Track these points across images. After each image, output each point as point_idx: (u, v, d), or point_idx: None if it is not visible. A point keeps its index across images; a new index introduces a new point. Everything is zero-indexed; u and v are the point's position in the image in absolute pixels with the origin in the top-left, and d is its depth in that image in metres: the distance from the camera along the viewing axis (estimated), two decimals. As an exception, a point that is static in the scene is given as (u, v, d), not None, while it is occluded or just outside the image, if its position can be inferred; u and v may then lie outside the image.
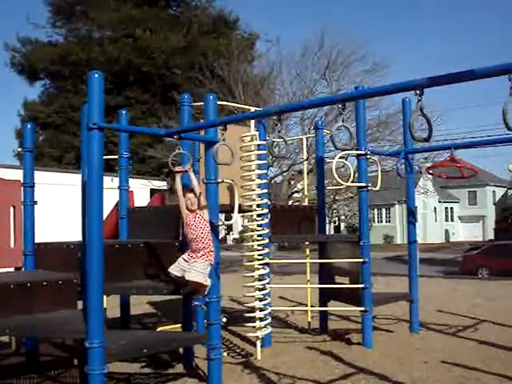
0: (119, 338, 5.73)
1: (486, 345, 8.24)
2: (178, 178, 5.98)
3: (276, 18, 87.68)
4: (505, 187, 60.06)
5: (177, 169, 5.96)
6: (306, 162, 11.20)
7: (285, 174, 25.29)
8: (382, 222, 56.54)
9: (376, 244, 42.06)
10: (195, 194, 5.90)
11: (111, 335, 5.53)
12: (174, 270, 6.04)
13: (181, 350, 7.53)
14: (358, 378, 6.63)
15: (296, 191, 25.71)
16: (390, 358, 7.49)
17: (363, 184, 8.17)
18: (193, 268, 5.87)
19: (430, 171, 9.98)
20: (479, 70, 3.35)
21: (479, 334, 9.07)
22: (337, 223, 49.96)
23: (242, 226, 8.68)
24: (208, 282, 5.94)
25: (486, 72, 3.37)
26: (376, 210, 55.66)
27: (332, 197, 25.57)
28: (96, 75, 5.15)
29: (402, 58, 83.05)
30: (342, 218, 45.27)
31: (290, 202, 24.14)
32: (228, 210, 6.97)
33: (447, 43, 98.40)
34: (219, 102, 8.21)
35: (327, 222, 38.55)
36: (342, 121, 4.04)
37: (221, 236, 41.50)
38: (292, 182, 26.29)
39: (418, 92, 3.60)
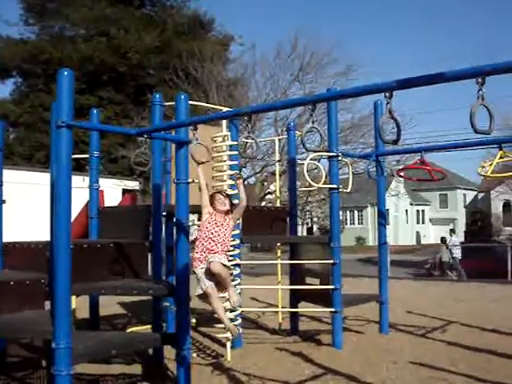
0: (87, 339, 5.67)
1: (453, 346, 8.33)
2: (200, 168, 5.46)
3: (250, 20, 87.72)
4: (475, 190, 60.85)
5: (197, 157, 5.40)
6: (278, 164, 11.21)
7: (258, 175, 25.32)
8: (354, 223, 56.89)
9: (348, 246, 42.32)
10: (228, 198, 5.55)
11: (79, 336, 5.47)
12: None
13: (150, 351, 7.48)
14: (326, 378, 6.66)
15: (269, 192, 25.76)
16: (360, 359, 7.53)
17: (334, 186, 8.20)
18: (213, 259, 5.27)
19: (401, 173, 10.07)
20: (448, 73, 3.38)
21: (447, 335, 9.17)
22: (310, 225, 50.09)
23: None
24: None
25: (455, 75, 3.40)
26: (348, 212, 56.03)
27: (305, 198, 25.67)
28: (65, 73, 5.09)
29: (378, 61, 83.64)
30: (315, 219, 45.38)
31: (263, 204, 24.17)
32: (200, 211, 6.94)
33: (425, 46, 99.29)
34: (192, 102, 8.20)
35: (300, 223, 38.79)
36: (312, 122, 4.05)
37: (194, 237, 41.36)
38: (265, 184, 26.34)
39: (387, 95, 3.62)
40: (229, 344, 7.72)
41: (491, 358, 7.55)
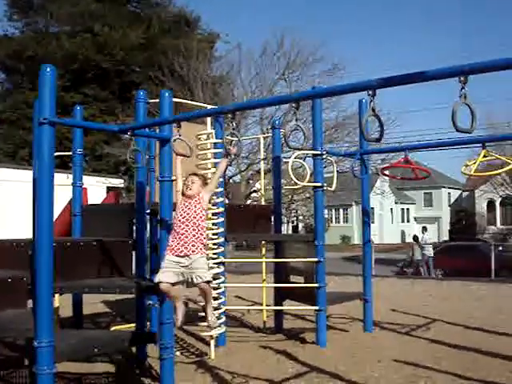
0: (70, 337, 5.65)
1: (437, 344, 8.37)
2: (178, 161, 5.34)
3: (236, 18, 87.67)
4: (460, 189, 61.24)
5: (180, 151, 5.30)
6: (263, 162, 11.21)
7: (243, 173, 25.31)
8: (339, 222, 57.05)
9: (333, 244, 42.41)
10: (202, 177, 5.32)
11: (61, 334, 5.45)
12: (167, 277, 5.12)
13: (134, 350, 7.45)
14: (311, 376, 6.66)
15: (254, 191, 25.77)
16: (344, 357, 7.54)
17: (319, 184, 8.21)
18: (198, 266, 5.07)
19: (385, 172, 10.10)
20: (430, 71, 3.39)
21: (431, 333, 9.22)
22: (295, 223, 50.18)
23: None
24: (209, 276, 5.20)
25: (437, 74, 3.41)
26: (334, 210, 56.19)
27: (290, 197, 25.71)
28: (48, 69, 5.06)
29: (365, 60, 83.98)
30: (300, 218, 45.44)
31: (249, 202, 24.18)
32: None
33: (415, 45, 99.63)
34: (176, 100, 8.17)
35: (285, 221, 38.83)
36: (296, 120, 4.05)
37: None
38: (251, 182, 26.35)
39: (370, 93, 3.62)
40: (213, 342, 7.70)
41: (475, 355, 7.59)
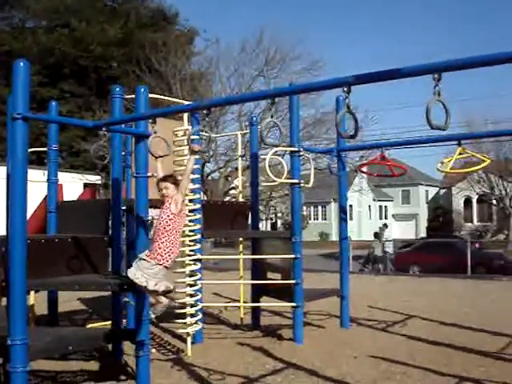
0: (44, 335, 5.60)
1: (413, 339, 8.44)
2: (159, 163, 5.35)
3: (215, 14, 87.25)
4: (437, 186, 61.75)
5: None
6: (241, 159, 11.19)
7: (222, 170, 25.28)
8: (318, 219, 57.25)
9: (312, 241, 42.55)
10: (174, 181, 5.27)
11: (36, 332, 5.41)
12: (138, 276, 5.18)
13: (110, 347, 7.41)
14: (287, 373, 6.67)
15: (233, 188, 25.75)
16: (320, 353, 7.56)
17: (296, 181, 8.21)
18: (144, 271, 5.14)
19: (362, 169, 10.15)
20: (404, 68, 3.40)
21: (407, 329, 9.29)
22: (274, 220, 50.28)
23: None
24: (150, 285, 5.10)
25: (411, 71, 3.42)
26: (312, 207, 56.37)
27: (268, 194, 25.73)
28: (21, 63, 5.00)
29: (346, 58, 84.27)
30: (279, 214, 45.57)
31: (227, 199, 24.14)
32: (159, 206, 6.87)
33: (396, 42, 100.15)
34: (153, 96, 8.11)
35: (264, 218, 38.89)
36: (271, 116, 4.03)
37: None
38: (229, 179, 26.33)
39: (345, 89, 3.63)
40: (189, 339, 7.68)
41: (450, 351, 7.67)
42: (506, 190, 42.58)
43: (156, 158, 5.24)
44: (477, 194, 48.26)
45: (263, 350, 7.80)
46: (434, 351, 7.71)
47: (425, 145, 8.72)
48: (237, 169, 24.32)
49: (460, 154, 7.36)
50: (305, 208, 52.06)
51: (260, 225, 10.21)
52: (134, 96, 6.26)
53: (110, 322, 7.53)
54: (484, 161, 7.67)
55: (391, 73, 3.47)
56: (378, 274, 20.77)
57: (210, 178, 26.62)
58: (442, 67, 3.22)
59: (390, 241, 22.97)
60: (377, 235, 23.42)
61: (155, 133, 4.99)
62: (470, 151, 7.70)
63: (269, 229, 46.59)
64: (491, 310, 11.19)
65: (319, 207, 56.88)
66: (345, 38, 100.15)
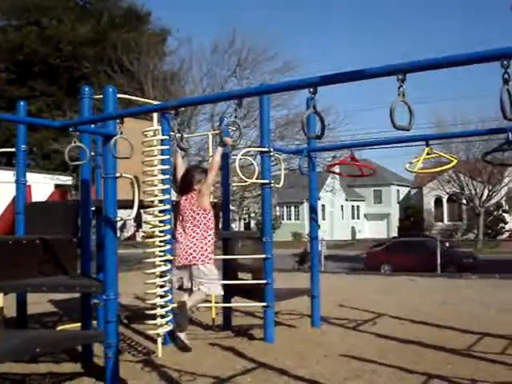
0: (12, 338, 5.54)
1: (383, 338, 8.51)
2: (221, 149, 5.30)
3: (187, 15, 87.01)
4: (408, 186, 62.41)
5: (227, 140, 5.30)
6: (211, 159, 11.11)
7: (194, 170, 25.16)
8: (290, 219, 57.43)
9: (285, 241, 42.66)
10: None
11: (3, 335, 5.33)
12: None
13: (80, 349, 7.34)
14: (257, 373, 6.68)
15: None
16: (291, 353, 7.58)
17: (266, 181, 8.23)
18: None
19: (332, 169, 10.21)
20: (369, 70, 3.44)
21: (378, 327, 9.36)
22: (247, 220, 50.30)
23: (144, 222, 8.55)
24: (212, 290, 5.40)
25: (376, 72, 3.47)
26: (285, 207, 56.53)
27: (241, 194, 25.71)
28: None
29: (318, 60, 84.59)
30: (252, 215, 45.60)
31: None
32: (129, 206, 6.84)
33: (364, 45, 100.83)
34: (125, 96, 8.07)
35: (237, 218, 38.83)
36: (236, 117, 4.04)
37: (130, 233, 40.83)
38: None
39: (311, 90, 3.66)
40: (160, 340, 7.64)
41: (420, 349, 7.73)
42: (475, 190, 43.21)
43: (115, 157, 5.21)
44: (447, 193, 48.90)
45: (234, 350, 7.80)
46: (404, 349, 7.78)
47: (394, 145, 8.81)
48: (209, 169, 24.34)
49: (428, 154, 7.44)
50: (278, 208, 52.17)
51: (233, 225, 10.23)
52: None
53: (80, 324, 7.48)
54: (451, 161, 7.76)
55: (356, 74, 3.51)
56: (348, 273, 20.91)
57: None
58: (406, 68, 3.26)
59: (323, 240, 23.49)
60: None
61: (121, 133, 4.95)
62: (438, 151, 7.79)
63: (242, 229, 46.57)
64: (460, 307, 11.34)
65: (292, 207, 57.06)
66: (320, 39, 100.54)
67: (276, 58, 26.88)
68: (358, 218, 64.40)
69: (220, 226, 9.55)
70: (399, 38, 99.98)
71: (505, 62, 2.98)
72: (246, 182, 8.79)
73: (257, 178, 8.59)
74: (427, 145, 7.36)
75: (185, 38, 38.16)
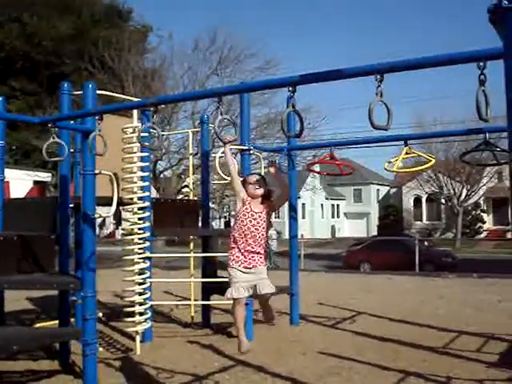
0: (-12, 335, 5.48)
1: (361, 336, 8.56)
2: (227, 148, 5.02)
3: (169, 12, 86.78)
4: (388, 186, 62.81)
5: (228, 138, 4.86)
6: (191, 157, 11.14)
7: (174, 168, 25.15)
8: (271, 217, 57.42)
9: (265, 239, 42.61)
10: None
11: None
12: (241, 291, 4.91)
13: (58, 347, 7.31)
14: (235, 370, 6.70)
15: (186, 185, 25.64)
16: (269, 351, 7.61)
17: (246, 179, 8.22)
18: (264, 278, 4.99)
19: (312, 168, 10.25)
20: (347, 69, 3.47)
21: (356, 325, 9.42)
22: (227, 218, 50.24)
23: (124, 220, 8.53)
24: None
25: (354, 72, 3.50)
26: (266, 205, 56.51)
27: (221, 192, 25.72)
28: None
29: (302, 58, 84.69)
30: (233, 213, 45.52)
31: (180, 197, 24.05)
32: (109, 203, 6.81)
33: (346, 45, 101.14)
34: (103, 92, 8.02)
35: (218, 217, 38.77)
36: (221, 114, 4.05)
37: (109, 230, 40.67)
38: (183, 177, 26.23)
39: (290, 89, 3.67)
40: (138, 338, 7.63)
41: (397, 347, 7.80)
42: (454, 190, 43.61)
43: (95, 155, 5.17)
44: (426, 193, 49.28)
45: (213, 347, 7.82)
46: (381, 347, 7.84)
47: (374, 144, 8.87)
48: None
49: (407, 153, 7.51)
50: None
51: (214, 223, 10.22)
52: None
53: (57, 321, 7.44)
54: (429, 160, 7.84)
55: (335, 73, 3.54)
56: (328, 272, 21.01)
57: (162, 176, 26.47)
58: (384, 68, 3.29)
59: (274, 238, 24.07)
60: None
61: (99, 130, 4.93)
62: (416, 151, 7.85)
63: (222, 227, 46.53)
64: (438, 306, 11.43)
65: (273, 206, 57.05)
66: (302, 38, 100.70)
67: (258, 55, 26.99)
68: (338, 216, 64.65)
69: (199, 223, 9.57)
70: (393, 37, 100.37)
71: (481, 64, 3.01)
72: (225, 180, 8.79)
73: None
74: (406, 144, 7.43)
75: (166, 36, 38.14)
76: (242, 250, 4.81)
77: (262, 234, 4.85)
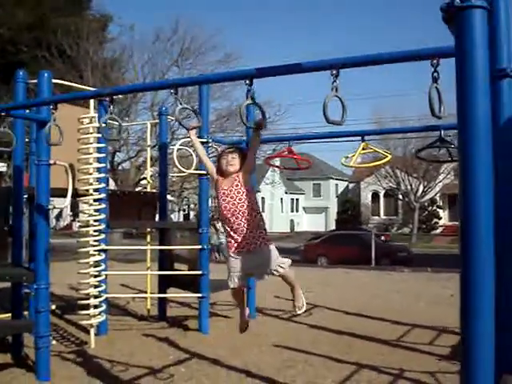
0: None
1: (317, 329, 8.64)
2: (192, 133, 4.73)
3: (130, 1, 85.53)
4: (346, 181, 63.37)
5: (192, 124, 4.68)
6: (149, 149, 11.05)
7: (133, 160, 24.94)
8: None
9: (224, 232, 42.62)
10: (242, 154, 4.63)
11: None
12: (235, 281, 4.65)
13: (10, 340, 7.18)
14: (190, 363, 6.70)
15: (144, 178, 25.46)
16: (225, 343, 7.63)
17: (203, 172, 8.20)
18: (268, 257, 4.63)
19: (270, 162, 10.25)
20: (304, 63, 3.49)
21: (312, 318, 9.47)
22: (186, 211, 50.07)
23: (80, 212, 8.42)
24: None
25: (311, 66, 3.52)
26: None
27: (181, 185, 25.61)
28: None
29: (264, 51, 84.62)
30: (192, 206, 45.39)
31: (139, 189, 23.87)
32: (63, 194, 6.71)
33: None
34: (59, 81, 7.89)
35: (177, 210, 38.62)
36: (180, 104, 4.02)
37: (66, 222, 40.09)
38: (141, 169, 26.04)
39: (247, 82, 3.68)
40: (93, 331, 7.55)
41: (352, 340, 7.90)
42: (411, 186, 44.28)
43: (48, 144, 5.05)
44: (384, 188, 49.91)
45: (168, 340, 7.79)
46: (337, 340, 7.93)
47: (332, 139, 8.95)
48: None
49: (364, 149, 7.57)
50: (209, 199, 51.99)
51: (173, 216, 10.18)
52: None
53: (10, 314, 7.31)
54: (386, 156, 7.92)
55: (292, 67, 3.56)
56: (307, 266, 21.08)
57: (120, 167, 26.23)
58: (339, 64, 3.32)
59: (223, 231, 23.82)
60: (213, 225, 23.97)
61: (54, 120, 4.84)
62: (374, 147, 7.93)
63: (181, 220, 46.37)
64: (393, 300, 11.62)
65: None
66: (264, 32, 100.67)
67: (219, 48, 26.93)
68: (297, 210, 65.06)
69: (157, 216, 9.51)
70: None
71: (434, 61, 3.06)
72: (184, 172, 8.76)
73: (195, 169, 8.55)
74: (363, 140, 7.49)
75: (127, 25, 37.62)
76: (232, 233, 4.50)
77: (242, 211, 4.45)
